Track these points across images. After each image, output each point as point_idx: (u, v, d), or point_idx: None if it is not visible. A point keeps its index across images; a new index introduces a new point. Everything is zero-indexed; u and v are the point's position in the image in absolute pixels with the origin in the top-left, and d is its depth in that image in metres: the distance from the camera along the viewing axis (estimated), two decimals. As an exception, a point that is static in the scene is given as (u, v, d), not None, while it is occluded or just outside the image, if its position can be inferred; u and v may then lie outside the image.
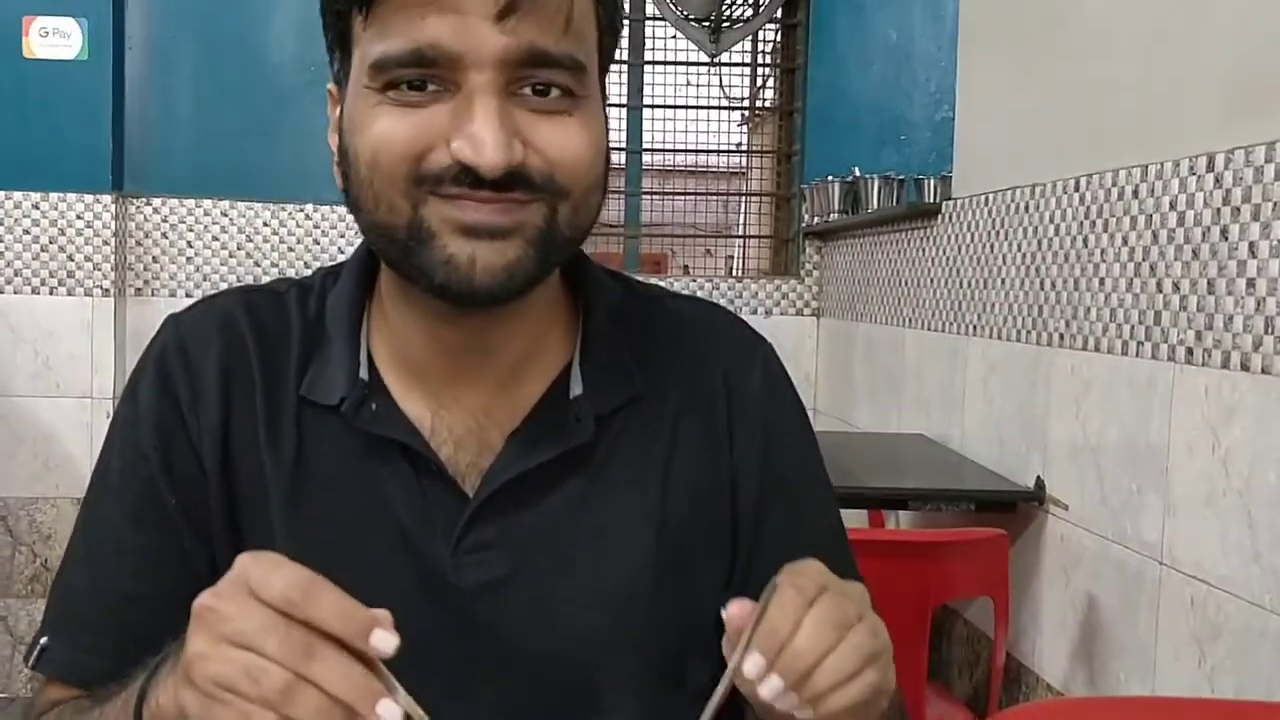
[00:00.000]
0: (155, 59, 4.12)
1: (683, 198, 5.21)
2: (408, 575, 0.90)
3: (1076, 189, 2.36)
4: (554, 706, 0.91)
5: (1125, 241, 2.16)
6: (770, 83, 4.99)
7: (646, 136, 4.70)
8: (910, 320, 3.40)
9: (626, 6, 4.06)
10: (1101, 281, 2.25)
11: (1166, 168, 2.02)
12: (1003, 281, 2.72)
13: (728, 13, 4.54)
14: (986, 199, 2.84)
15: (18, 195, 3.97)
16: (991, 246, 2.80)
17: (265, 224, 4.19)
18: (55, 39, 3.93)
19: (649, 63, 4.71)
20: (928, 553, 2.16)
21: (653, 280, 1.09)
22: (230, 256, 4.19)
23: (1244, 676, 1.76)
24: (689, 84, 4.88)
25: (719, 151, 5.17)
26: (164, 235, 4.16)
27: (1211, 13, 1.93)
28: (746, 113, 5.34)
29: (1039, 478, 2.47)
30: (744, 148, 5.52)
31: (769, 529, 0.97)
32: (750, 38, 4.77)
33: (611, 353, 0.96)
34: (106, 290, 3.99)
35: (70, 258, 3.99)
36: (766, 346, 1.04)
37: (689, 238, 5.22)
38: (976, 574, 2.29)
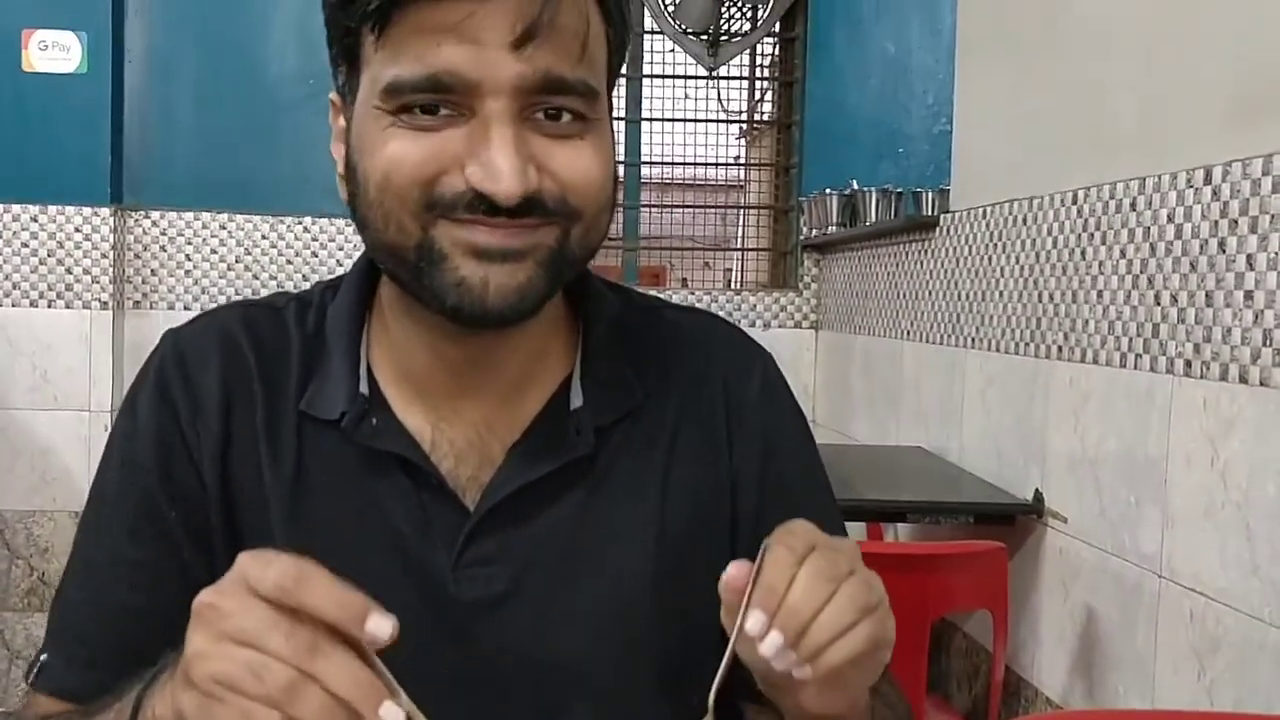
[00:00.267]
0: (154, 72, 4.13)
1: (681, 211, 5.21)
2: (408, 589, 0.90)
3: (1074, 202, 2.37)
4: (557, 712, 0.91)
5: (1123, 254, 2.17)
6: (768, 96, 5.00)
7: (645, 150, 4.71)
8: (908, 333, 3.41)
9: (625, 20, 4.04)
10: (1099, 294, 2.25)
11: (1164, 180, 2.03)
12: (1001, 294, 2.73)
13: (726, 26, 4.56)
14: (984, 212, 2.84)
15: (16, 208, 3.98)
16: (989, 259, 2.81)
17: (264, 237, 4.19)
18: (55, 52, 3.94)
19: (647, 76, 4.72)
20: (926, 565, 2.16)
21: (652, 292, 1.09)
22: (229, 269, 4.19)
23: (1243, 690, 1.76)
24: (687, 97, 4.89)
25: (717, 164, 5.18)
26: (162, 248, 4.16)
27: (1209, 26, 1.94)
28: (744, 126, 5.36)
29: (1037, 490, 2.47)
30: (742, 161, 5.53)
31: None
32: (748, 51, 4.78)
33: (611, 365, 0.96)
34: (105, 303, 3.98)
35: (69, 270, 3.99)
36: (764, 355, 1.04)
37: (688, 250, 5.22)
38: (975, 587, 2.29)
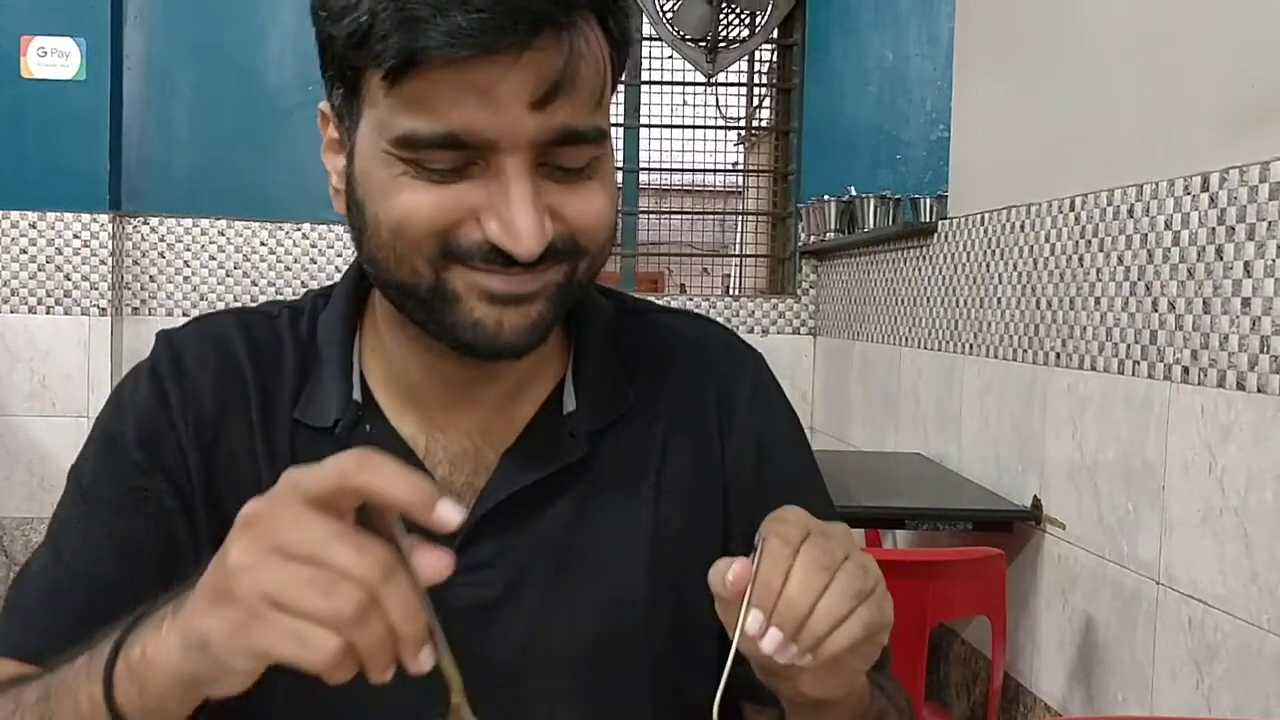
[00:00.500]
0: (153, 79, 4.14)
1: (680, 217, 5.22)
2: None
3: (1072, 208, 2.37)
4: (552, 717, 0.91)
5: (1121, 260, 2.17)
6: (766, 102, 5.01)
7: (643, 156, 4.72)
8: (906, 339, 3.41)
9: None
10: (1097, 301, 2.25)
11: (1162, 187, 2.03)
12: (999, 300, 2.73)
13: (724, 33, 4.57)
14: (982, 218, 2.84)
15: (15, 215, 3.98)
16: (987, 266, 2.81)
17: (262, 243, 4.19)
18: (53, 59, 3.95)
19: (646, 83, 4.73)
20: (925, 572, 2.16)
21: (648, 297, 1.09)
22: (227, 275, 4.19)
23: (1241, 696, 1.76)
24: (685, 104, 4.90)
25: (716, 171, 5.18)
26: (161, 255, 4.16)
27: (1206, 34, 1.94)
28: (743, 132, 5.36)
29: (1036, 497, 2.47)
30: (740, 167, 5.53)
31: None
32: (746, 58, 4.79)
33: (604, 369, 0.96)
34: (103, 309, 3.99)
35: (67, 277, 3.99)
36: (756, 357, 1.05)
37: (686, 257, 5.23)
38: (974, 593, 2.29)
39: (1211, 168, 1.88)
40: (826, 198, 3.95)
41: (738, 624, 0.74)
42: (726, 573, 0.75)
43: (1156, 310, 2.03)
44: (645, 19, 4.53)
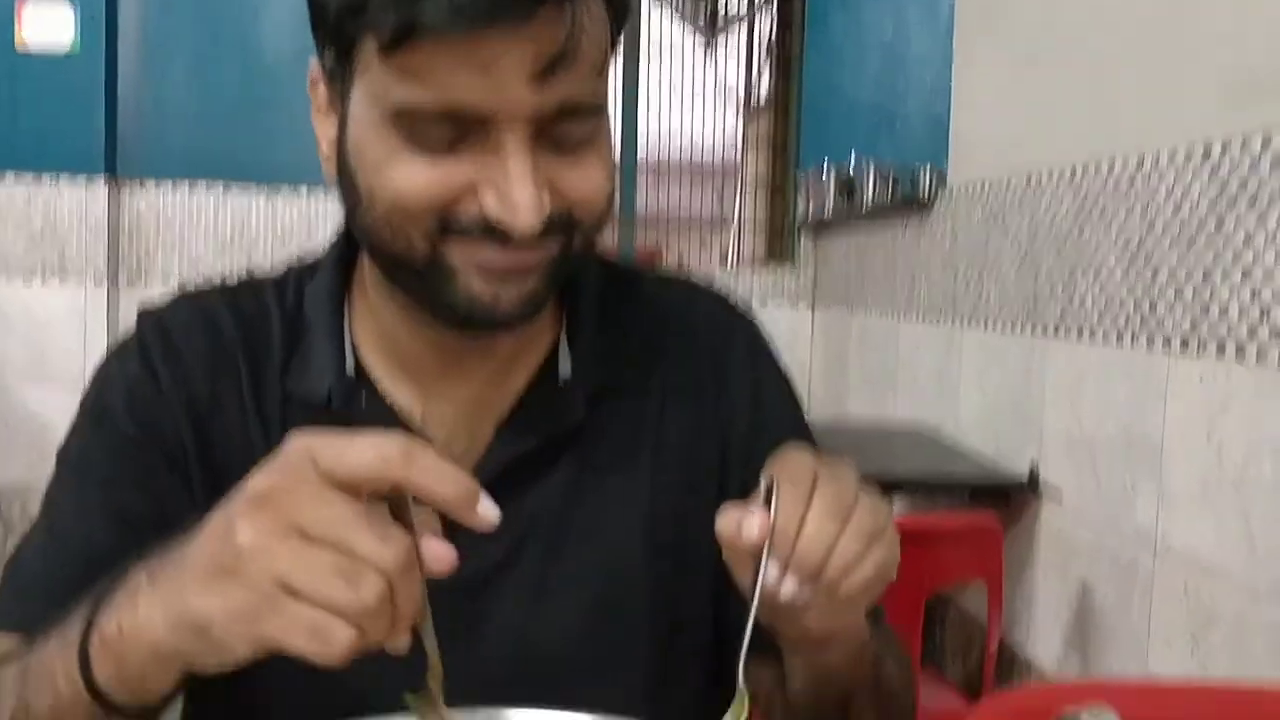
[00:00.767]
0: (148, 44, 4.11)
1: (678, 190, 5.21)
2: None
3: (1071, 178, 2.37)
4: (551, 686, 0.91)
5: (1120, 231, 2.16)
6: (766, 74, 4.99)
7: (641, 128, 4.70)
8: (905, 311, 3.40)
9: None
10: (1097, 271, 2.25)
11: (1162, 157, 2.03)
12: (997, 272, 2.72)
13: (724, 4, 4.54)
14: (981, 189, 2.84)
15: (10, 179, 3.96)
16: (986, 237, 2.80)
17: (259, 211, 4.18)
18: (48, 25, 3.92)
19: (644, 53, 4.70)
20: (921, 540, 2.16)
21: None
22: (223, 245, 4.18)
23: (1237, 665, 1.77)
24: (684, 76, 4.88)
25: (715, 143, 5.17)
26: (157, 224, 4.15)
27: (1208, 3, 1.94)
28: (742, 104, 5.34)
29: (1033, 467, 2.48)
30: (739, 139, 5.52)
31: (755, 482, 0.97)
32: (746, 29, 4.77)
33: (598, 334, 0.96)
34: (99, 279, 3.97)
35: (63, 245, 3.98)
36: (749, 320, 1.04)
37: (684, 229, 5.21)
38: (970, 561, 2.30)
39: (1213, 137, 1.87)
40: (825, 169, 3.94)
41: (754, 574, 0.74)
42: (740, 523, 0.74)
43: (1156, 280, 2.03)
44: (644, -12, 4.51)
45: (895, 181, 3.46)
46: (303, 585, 0.57)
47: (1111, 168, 2.20)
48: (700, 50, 4.63)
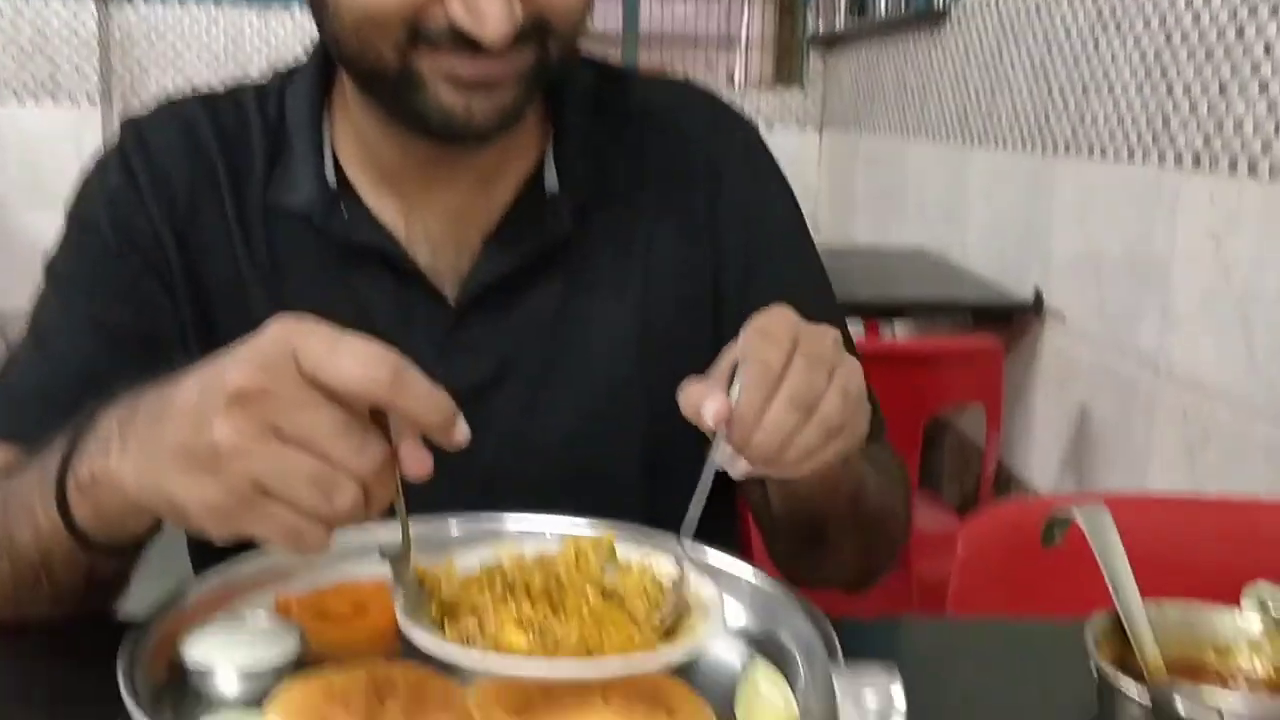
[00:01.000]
0: None
1: (684, 8, 5.04)
2: None
3: (1090, -12, 2.27)
4: (546, 496, 0.91)
5: (1136, 43, 2.09)
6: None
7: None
8: (914, 131, 3.33)
9: None
10: (1110, 86, 2.18)
11: (1184, -37, 1.94)
12: (1009, 88, 2.65)
13: None
14: (996, 1, 2.74)
15: (-6, -5, 3.85)
16: (999, 52, 2.72)
17: (251, 28, 4.08)
18: None
19: None
20: (921, 362, 2.16)
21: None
22: (217, 61, 4.09)
23: (1231, 483, 1.78)
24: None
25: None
26: (149, 40, 4.05)
27: None
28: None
29: (1037, 289, 2.45)
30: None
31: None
32: None
33: (586, 144, 0.93)
34: (93, 99, 3.90)
35: (54, 64, 3.89)
36: (749, 126, 1.00)
37: (689, 48, 5.07)
38: (970, 383, 2.29)
39: (1238, -60, 1.78)
40: (836, -18, 3.80)
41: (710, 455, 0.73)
42: (699, 405, 0.71)
43: (1171, 94, 1.97)
44: None
45: (908, -6, 3.34)
46: (279, 489, 0.56)
47: (1131, -25, 2.11)
48: None
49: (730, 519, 1.09)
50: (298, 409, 0.56)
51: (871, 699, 0.43)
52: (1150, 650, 0.57)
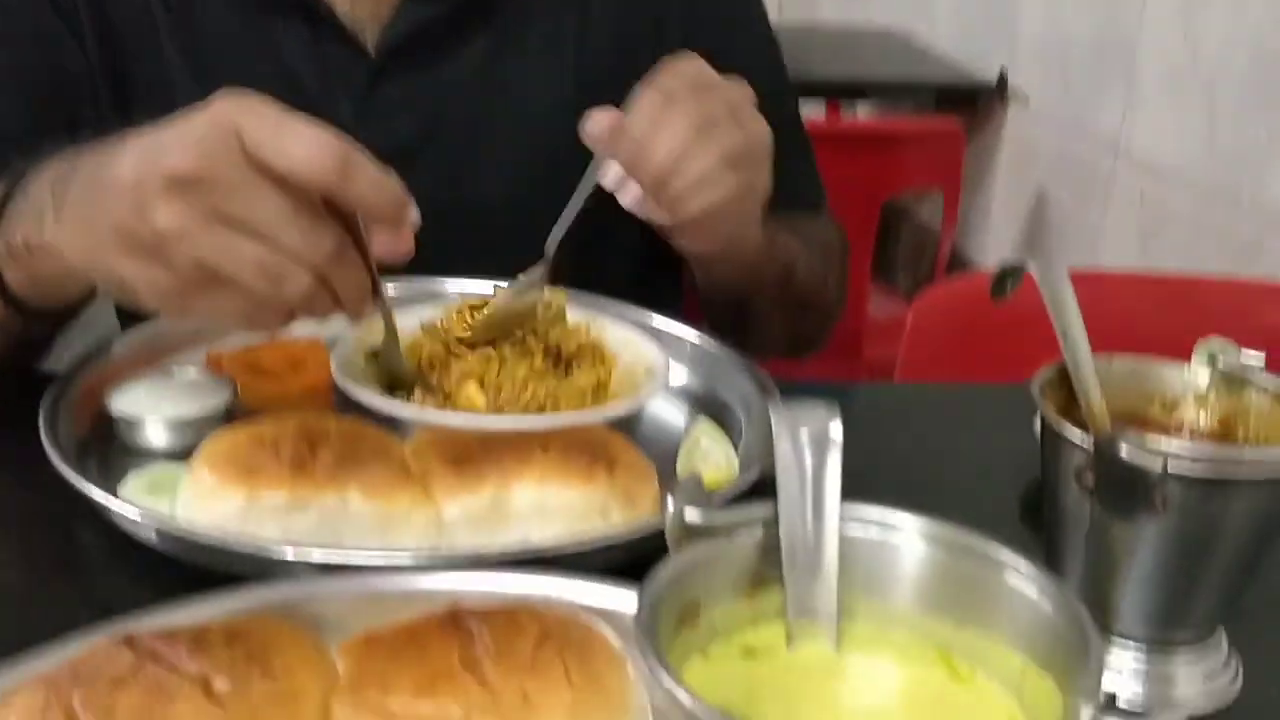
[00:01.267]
0: None
1: None
2: None
3: None
4: (480, 253, 0.89)
5: None
6: None
7: None
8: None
9: None
10: None
11: None
12: None
13: None
14: None
15: None
16: None
17: None
18: None
19: None
20: (879, 144, 2.11)
21: None
22: None
23: (1186, 268, 1.77)
24: None
25: None
26: None
27: None
28: None
29: (1002, 70, 2.39)
30: None
31: None
32: None
33: None
34: None
35: None
36: None
37: None
38: (929, 167, 2.25)
39: None
40: None
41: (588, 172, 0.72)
42: (589, 120, 0.69)
43: None
44: None
45: None
46: (227, 275, 0.54)
47: None
48: None
49: (675, 290, 1.08)
50: (242, 195, 0.53)
51: (807, 432, 0.42)
52: (1096, 401, 0.56)
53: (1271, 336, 0.68)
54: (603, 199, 0.91)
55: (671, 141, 0.68)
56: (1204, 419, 0.60)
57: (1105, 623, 0.56)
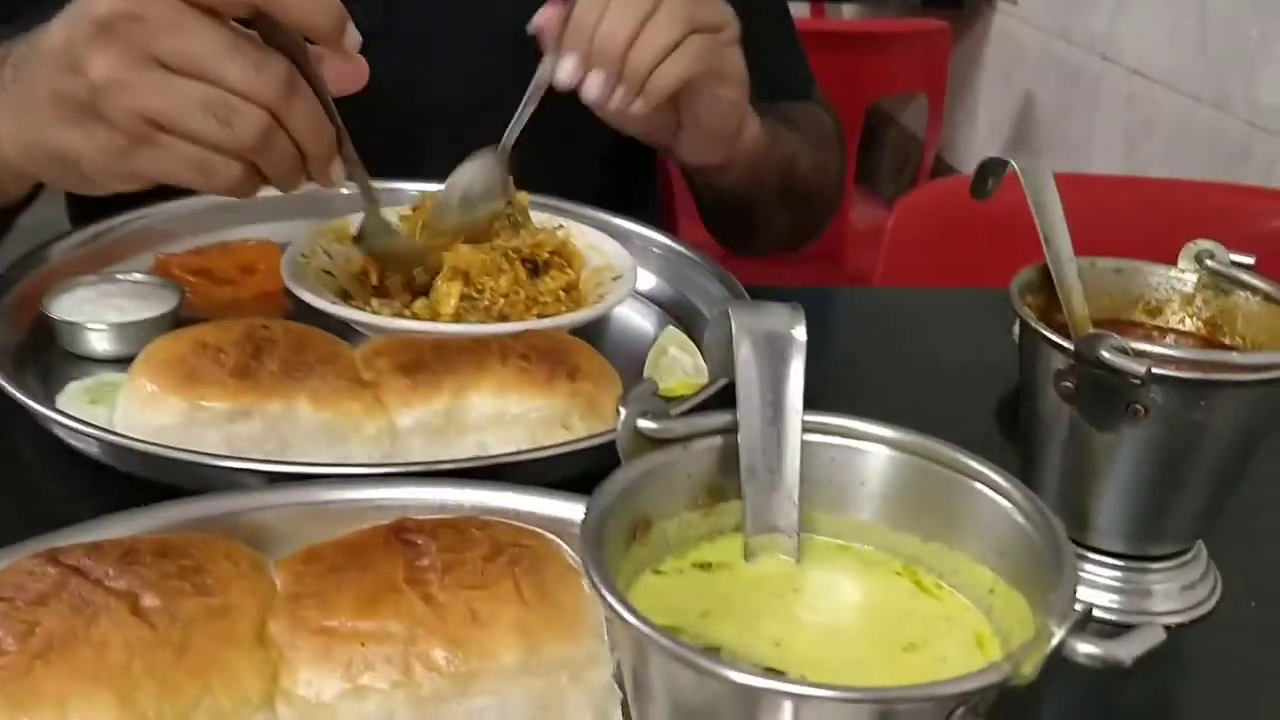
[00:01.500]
0: None
1: None
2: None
3: None
4: (420, 160, 0.86)
5: None
6: None
7: None
8: None
9: None
10: None
11: None
12: None
13: None
14: None
15: None
16: None
17: None
18: None
19: None
20: (864, 45, 2.06)
21: None
22: None
23: (1172, 173, 1.74)
24: None
25: None
26: None
27: None
28: None
29: (991, -30, 2.34)
30: None
31: None
32: None
33: None
34: None
35: None
36: None
37: None
38: (915, 70, 2.20)
39: None
40: None
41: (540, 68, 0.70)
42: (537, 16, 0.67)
43: None
44: None
45: None
46: (172, 121, 0.51)
47: None
48: None
49: (649, 191, 1.05)
50: (175, 31, 0.50)
51: (769, 336, 0.39)
52: (1077, 303, 0.54)
53: (1260, 241, 0.65)
54: (567, 103, 0.88)
55: (622, 14, 0.65)
56: (1190, 322, 0.58)
57: (1081, 536, 0.54)
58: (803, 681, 0.34)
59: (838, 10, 2.76)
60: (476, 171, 0.75)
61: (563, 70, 0.68)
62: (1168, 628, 0.53)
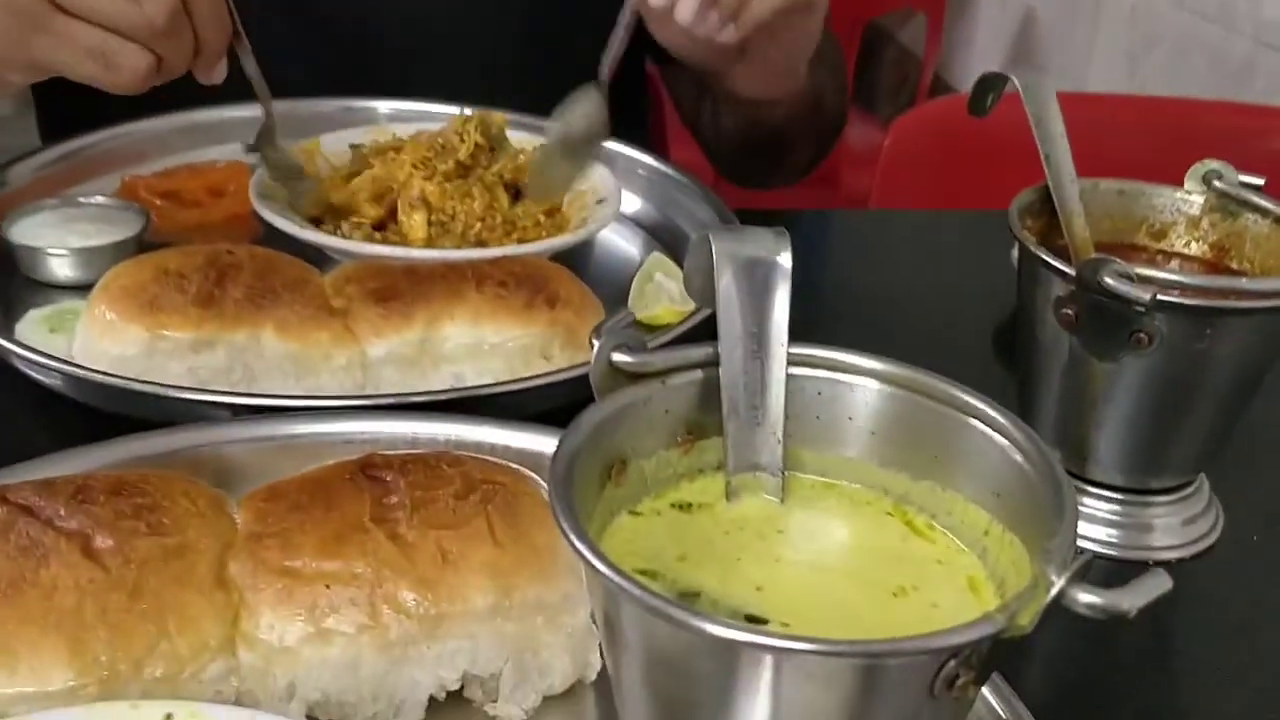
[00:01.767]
0: None
1: None
2: None
3: None
4: (406, 83, 0.82)
5: None
6: None
7: None
8: None
9: None
10: None
11: None
12: None
13: None
14: None
15: None
16: None
17: None
18: None
19: None
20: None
21: None
22: None
23: (1173, 90, 1.70)
24: None
25: None
26: None
27: None
28: None
29: (992, -118, 2.27)
30: None
31: None
32: None
33: None
34: None
35: None
36: None
37: None
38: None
39: None
40: None
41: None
42: None
43: None
44: None
45: None
46: (85, 7, 0.49)
47: None
48: None
49: (640, 113, 1.02)
50: None
51: (753, 263, 0.36)
52: (1079, 226, 0.51)
53: (1267, 162, 0.62)
54: (565, 19, 0.84)
55: None
56: (1196, 246, 0.55)
57: (1080, 469, 0.52)
58: (784, 633, 0.32)
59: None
60: (588, 108, 0.71)
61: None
62: (1169, 563, 0.52)
